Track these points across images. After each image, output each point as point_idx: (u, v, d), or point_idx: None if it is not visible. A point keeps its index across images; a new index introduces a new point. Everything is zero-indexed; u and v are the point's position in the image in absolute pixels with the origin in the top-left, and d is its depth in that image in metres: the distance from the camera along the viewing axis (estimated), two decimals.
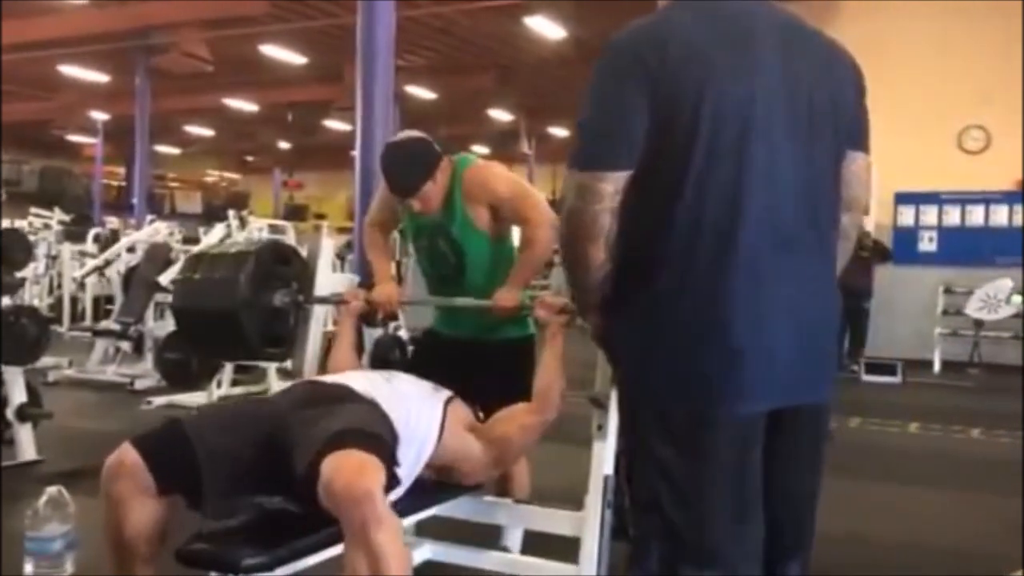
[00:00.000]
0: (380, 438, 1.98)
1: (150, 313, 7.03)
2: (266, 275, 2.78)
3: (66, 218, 12.98)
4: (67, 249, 9.78)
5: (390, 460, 1.94)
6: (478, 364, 2.67)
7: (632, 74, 1.49)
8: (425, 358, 2.91)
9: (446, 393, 2.40)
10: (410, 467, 2.17)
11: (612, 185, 1.52)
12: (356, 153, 6.43)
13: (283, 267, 2.88)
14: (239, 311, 2.66)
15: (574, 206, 1.55)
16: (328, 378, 2.36)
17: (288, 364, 5.93)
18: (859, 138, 1.67)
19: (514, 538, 2.85)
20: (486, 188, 2.64)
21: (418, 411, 2.25)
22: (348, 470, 1.79)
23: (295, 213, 21.50)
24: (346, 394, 2.18)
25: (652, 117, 1.49)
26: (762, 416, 1.55)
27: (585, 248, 1.56)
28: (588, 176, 1.53)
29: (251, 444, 2.03)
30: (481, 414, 2.47)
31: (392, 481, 1.93)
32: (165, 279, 6.41)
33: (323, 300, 2.91)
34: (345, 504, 1.75)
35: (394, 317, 3.17)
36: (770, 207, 1.51)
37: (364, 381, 2.27)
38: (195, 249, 7.07)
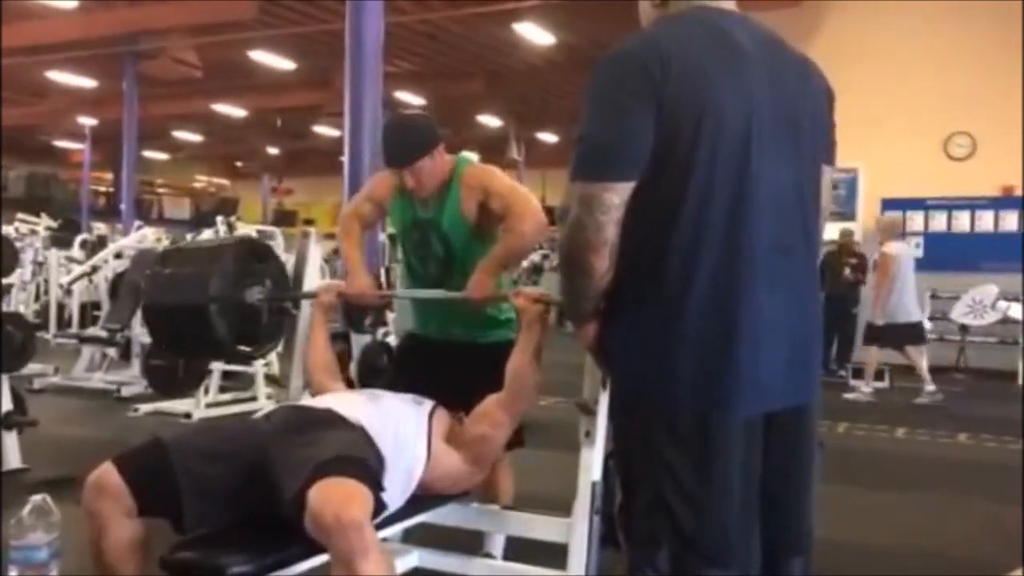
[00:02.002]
0: (367, 465, 1.97)
1: (137, 319, 6.99)
2: (239, 271, 2.71)
3: (53, 224, 12.92)
4: (54, 255, 9.74)
5: (377, 487, 1.94)
6: (461, 367, 2.65)
7: (638, 84, 1.51)
8: (407, 362, 2.90)
9: (428, 405, 2.40)
10: (401, 489, 2.17)
11: (619, 196, 1.52)
12: (345, 159, 6.42)
13: (258, 264, 2.81)
14: (209, 306, 2.58)
15: (579, 218, 1.54)
16: (314, 402, 2.34)
17: (276, 370, 5.93)
18: (830, 152, 1.76)
19: (497, 545, 2.84)
20: (482, 182, 2.63)
21: (404, 431, 2.25)
22: (336, 500, 1.78)
23: (284, 219, 21.46)
24: (332, 419, 2.16)
25: (655, 128, 1.51)
26: (761, 417, 1.59)
27: (589, 259, 1.56)
28: (594, 187, 1.53)
29: (235, 472, 2.01)
30: (463, 418, 2.47)
31: (379, 507, 1.93)
32: None
33: (295, 296, 2.87)
34: (333, 534, 1.74)
35: (382, 321, 3.16)
36: (769, 216, 1.56)
37: (349, 405, 2.25)
38: None
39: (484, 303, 2.56)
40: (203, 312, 2.60)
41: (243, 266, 2.74)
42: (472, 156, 2.89)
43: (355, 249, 2.84)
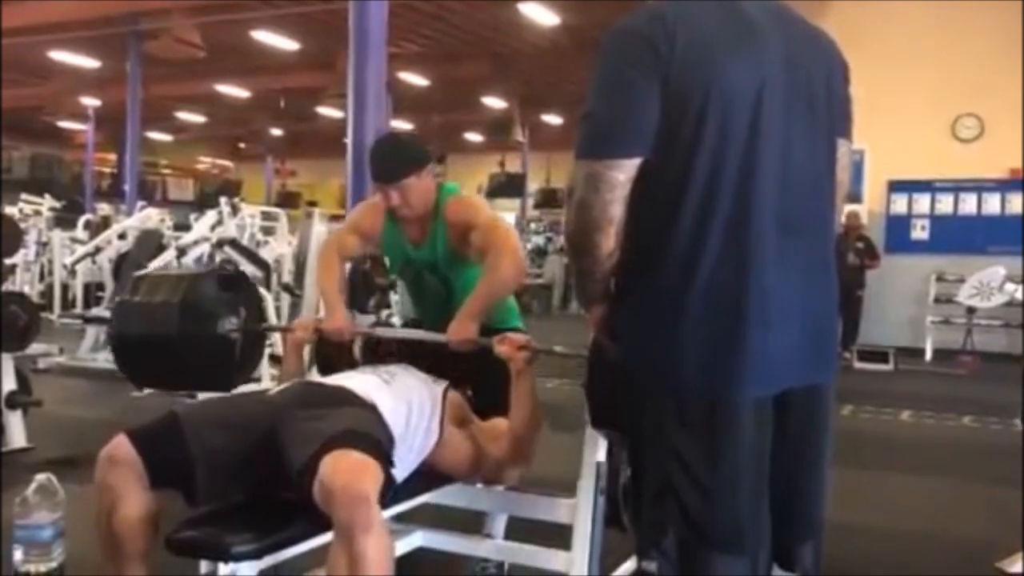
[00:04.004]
0: (379, 442, 1.98)
1: None
2: (209, 301, 2.64)
3: (57, 205, 12.92)
4: (58, 236, 9.74)
5: (388, 463, 1.94)
6: (470, 354, 2.64)
7: (644, 59, 1.48)
8: (416, 350, 2.88)
9: (442, 384, 2.40)
10: (409, 465, 2.18)
11: (625, 173, 1.49)
12: (349, 140, 6.40)
13: (230, 294, 2.74)
14: (178, 337, 2.52)
15: (584, 196, 1.52)
16: (327, 380, 2.34)
17: (279, 350, 5.93)
18: (846, 126, 1.71)
19: (498, 527, 2.84)
20: (464, 218, 2.60)
21: (418, 410, 2.25)
22: (348, 471, 1.78)
23: (287, 200, 21.42)
24: (345, 396, 2.16)
25: (662, 104, 1.48)
26: (771, 398, 1.56)
27: (596, 238, 1.54)
28: (600, 164, 1.50)
29: (247, 442, 2.01)
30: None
31: (389, 484, 1.92)
32: (156, 266, 6.39)
33: (272, 328, 2.82)
34: (340, 505, 1.74)
35: (386, 303, 3.16)
36: (779, 193, 1.53)
37: (362, 384, 2.24)
38: (182, 238, 7.04)
39: (466, 348, 2.49)
40: (171, 343, 2.52)
41: (213, 295, 2.67)
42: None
43: (333, 283, 2.75)
